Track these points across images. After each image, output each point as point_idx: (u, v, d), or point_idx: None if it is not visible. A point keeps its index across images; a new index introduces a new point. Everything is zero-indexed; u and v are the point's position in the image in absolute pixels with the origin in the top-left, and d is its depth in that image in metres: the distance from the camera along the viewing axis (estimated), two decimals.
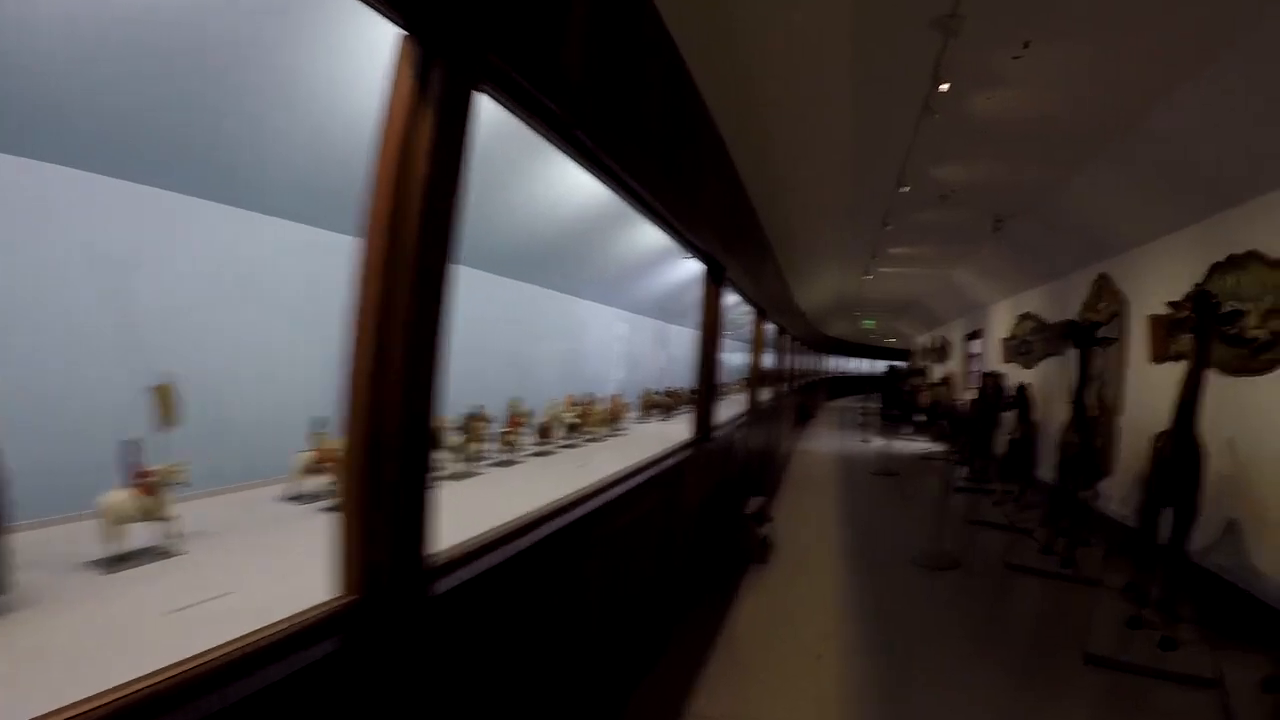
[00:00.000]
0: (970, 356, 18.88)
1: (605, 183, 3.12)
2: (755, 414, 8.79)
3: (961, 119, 6.03)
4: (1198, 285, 6.76)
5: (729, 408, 8.74)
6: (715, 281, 5.32)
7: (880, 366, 33.69)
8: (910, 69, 5.09)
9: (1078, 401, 6.92)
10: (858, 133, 6.34)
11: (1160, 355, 7.75)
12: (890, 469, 12.51)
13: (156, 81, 2.75)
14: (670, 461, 4.40)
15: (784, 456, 13.35)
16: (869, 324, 30.32)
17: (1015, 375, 12.67)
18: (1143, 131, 6.01)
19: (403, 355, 1.66)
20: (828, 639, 4.93)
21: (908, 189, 8.13)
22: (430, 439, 1.84)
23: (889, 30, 4.60)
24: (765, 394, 11.79)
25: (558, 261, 7.11)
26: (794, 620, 5.24)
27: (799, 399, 19.99)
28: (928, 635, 5.15)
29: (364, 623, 1.63)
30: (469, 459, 4.01)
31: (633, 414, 7.13)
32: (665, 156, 3.68)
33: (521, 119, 2.27)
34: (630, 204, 3.53)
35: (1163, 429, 5.63)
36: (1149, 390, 8.04)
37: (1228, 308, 4.91)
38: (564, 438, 5.28)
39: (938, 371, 22.47)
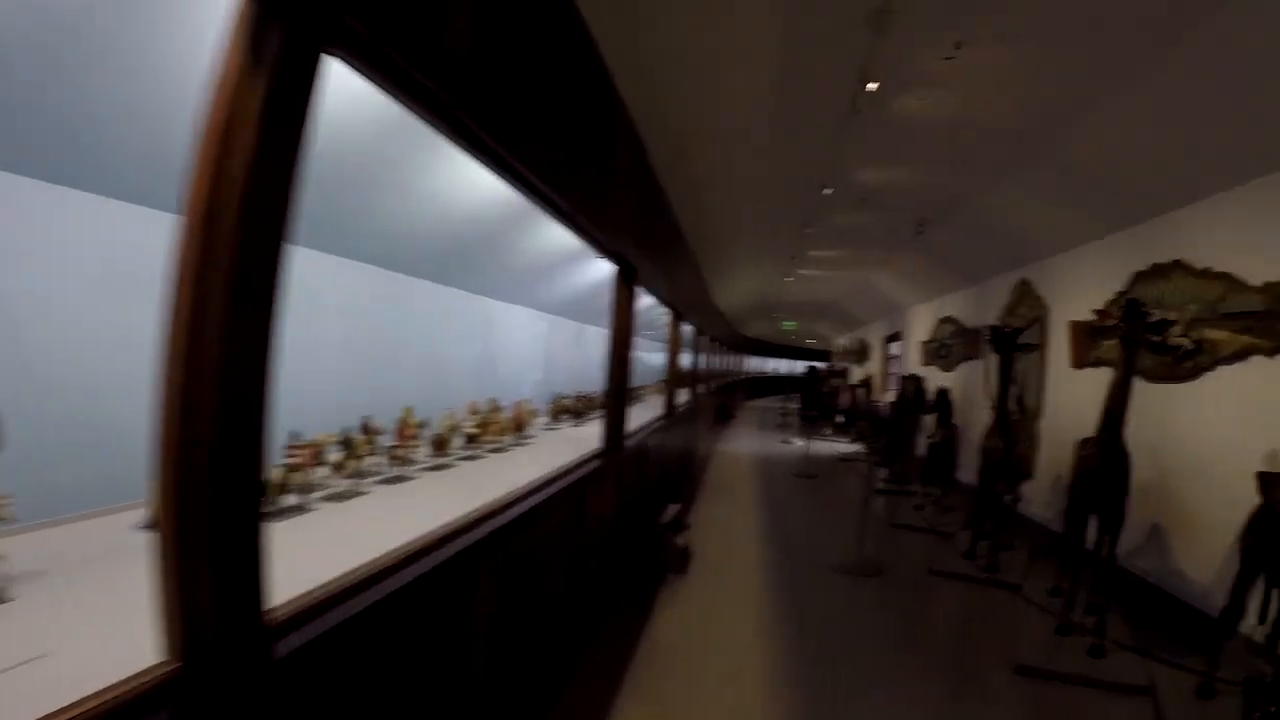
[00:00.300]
0: (890, 359, 19.10)
1: (496, 172, 2.80)
2: (672, 417, 8.56)
3: (888, 120, 5.86)
4: (1120, 292, 6.85)
5: (645, 410, 8.49)
6: (626, 282, 5.04)
7: (800, 367, 33.94)
8: (838, 66, 4.87)
9: (1001, 406, 6.88)
10: (781, 131, 6.13)
11: (1081, 361, 7.80)
12: (810, 471, 12.41)
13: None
14: (579, 473, 4.09)
15: (703, 459, 13.17)
16: (789, 325, 30.54)
17: (934, 378, 12.77)
18: (1069, 139, 5.98)
19: (219, 362, 1.34)
20: (749, 652, 4.69)
21: (830, 191, 8.01)
22: (258, 465, 1.53)
23: (818, 23, 4.38)
24: (683, 396, 11.60)
25: (471, 261, 6.77)
26: (714, 634, 4.98)
27: (718, 400, 19.89)
28: (852, 645, 4.96)
29: (191, 696, 1.33)
30: (353, 477, 3.67)
31: (542, 420, 6.82)
32: (571, 148, 3.39)
33: (388, 92, 1.96)
34: (528, 197, 3.22)
35: (1086, 435, 5.60)
36: (1069, 395, 8.13)
37: (1155, 316, 4.90)
38: (465, 448, 4.95)
39: (857, 373, 22.68)
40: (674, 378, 9.07)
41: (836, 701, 4.14)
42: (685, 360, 12.09)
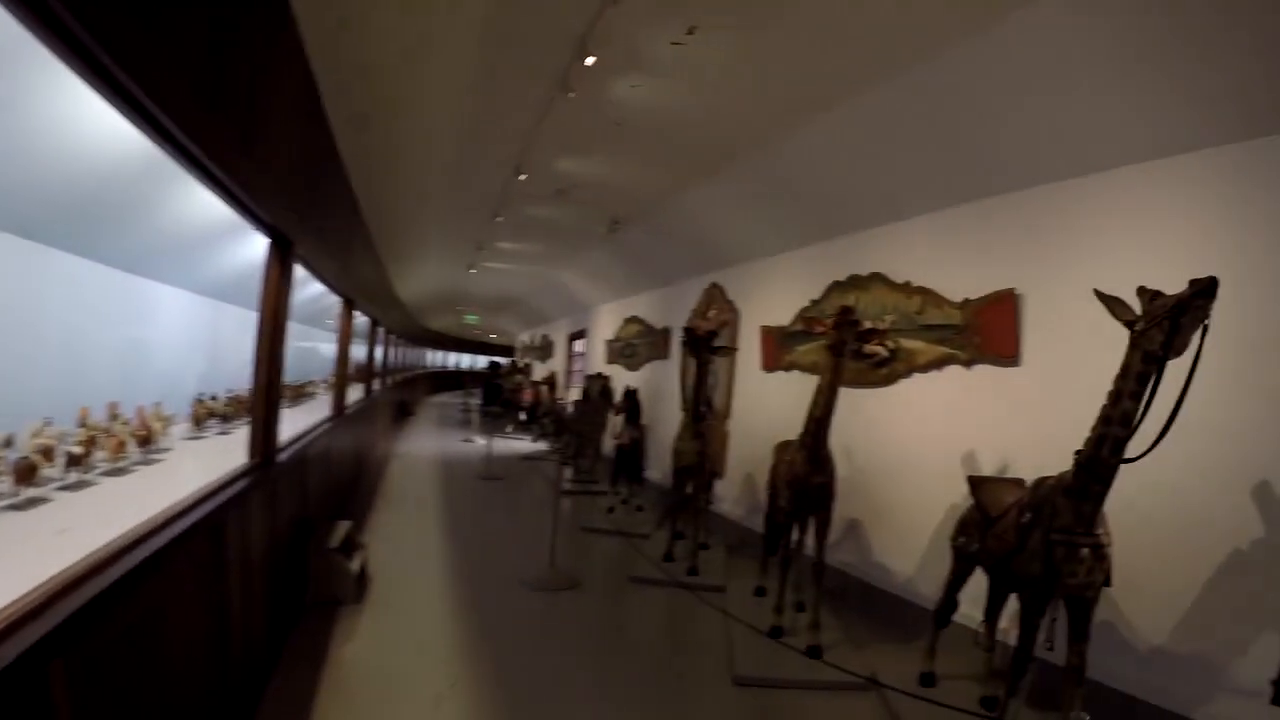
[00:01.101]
0: (574, 356, 19.03)
1: (91, 81, 1.87)
2: (342, 418, 7.56)
3: (598, 104, 5.42)
4: (814, 300, 7.04)
5: (312, 411, 7.47)
6: (281, 259, 4.06)
7: (483, 362, 33.40)
8: (557, 30, 4.34)
9: (694, 408, 6.72)
10: (483, 100, 5.44)
11: (771, 365, 7.92)
12: (494, 473, 11.75)
13: None
14: (218, 499, 3.11)
15: (380, 464, 12.08)
16: (472, 319, 29.77)
17: (620, 377, 12.74)
18: (780, 148, 5.96)
19: None
20: (441, 689, 4.04)
21: (525, 177, 7.44)
22: None
23: None
24: (357, 393, 10.57)
25: (106, 225, 5.26)
26: (400, 671, 4.26)
27: (398, 396, 18.78)
28: (556, 669, 4.53)
29: None
30: None
31: (183, 427, 5.61)
32: (209, 69, 2.47)
33: None
34: (139, 126, 2.26)
35: (779, 437, 5.65)
36: (758, 397, 8.30)
37: (866, 325, 4.88)
38: (77, 470, 3.75)
39: (541, 370, 22.43)
40: (344, 374, 8.02)
41: None
42: (360, 354, 11.04)
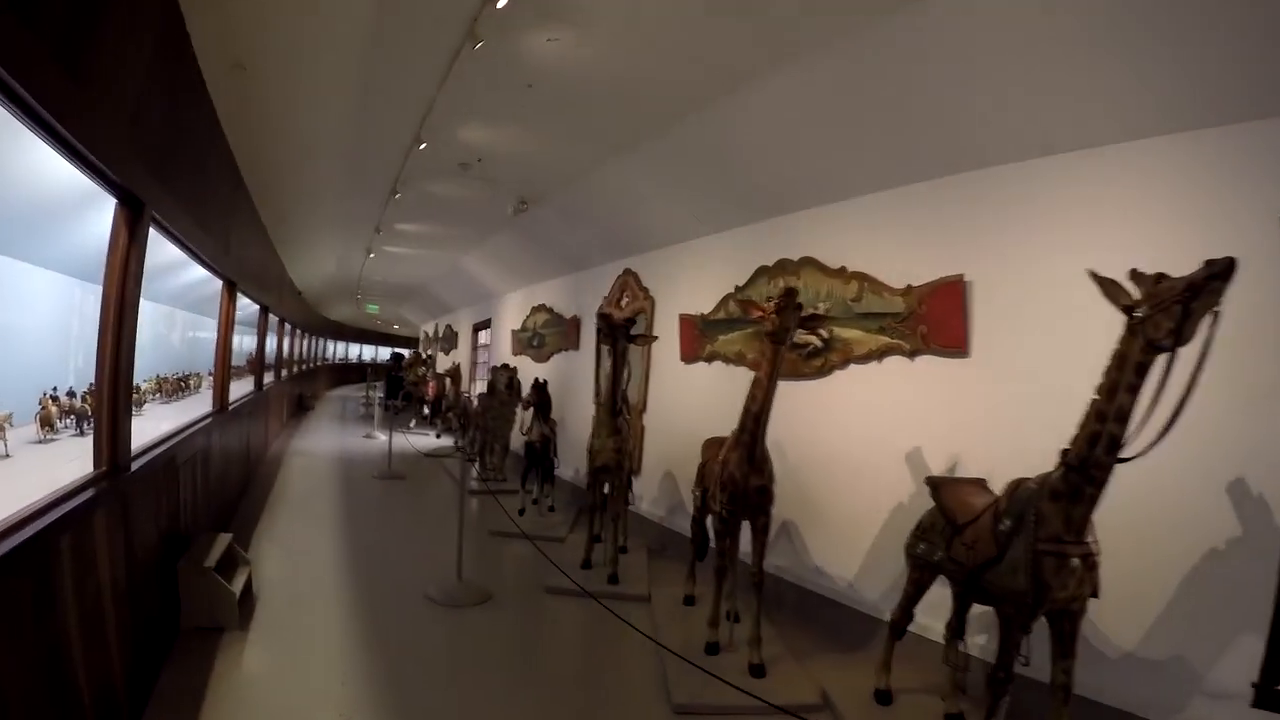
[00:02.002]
0: (479, 347, 18.41)
1: None
2: (225, 415, 6.81)
3: (509, 60, 4.87)
4: (739, 286, 6.73)
5: (194, 407, 6.70)
6: (131, 223, 3.37)
7: (386, 354, 32.38)
8: None
9: (612, 403, 6.19)
10: (378, 51, 4.83)
11: (691, 355, 7.54)
12: (397, 471, 11.11)
13: None
14: (48, 518, 2.47)
15: (273, 464, 11.27)
16: (373, 308, 28.74)
17: (527, 368, 12.21)
18: (704, 122, 5.59)
19: None
20: None
21: (426, 146, 6.78)
22: None
23: None
24: (247, 386, 9.81)
25: None
26: (288, 712, 3.73)
27: (295, 389, 17.77)
28: (469, 703, 4.01)
29: None
30: None
31: (28, 431, 4.83)
32: None
33: None
34: None
35: (709, 434, 5.33)
36: (675, 389, 7.94)
37: (808, 311, 4.43)
38: None
39: (445, 361, 21.63)
40: (226, 365, 7.23)
41: None
42: (247, 345, 10.23)
